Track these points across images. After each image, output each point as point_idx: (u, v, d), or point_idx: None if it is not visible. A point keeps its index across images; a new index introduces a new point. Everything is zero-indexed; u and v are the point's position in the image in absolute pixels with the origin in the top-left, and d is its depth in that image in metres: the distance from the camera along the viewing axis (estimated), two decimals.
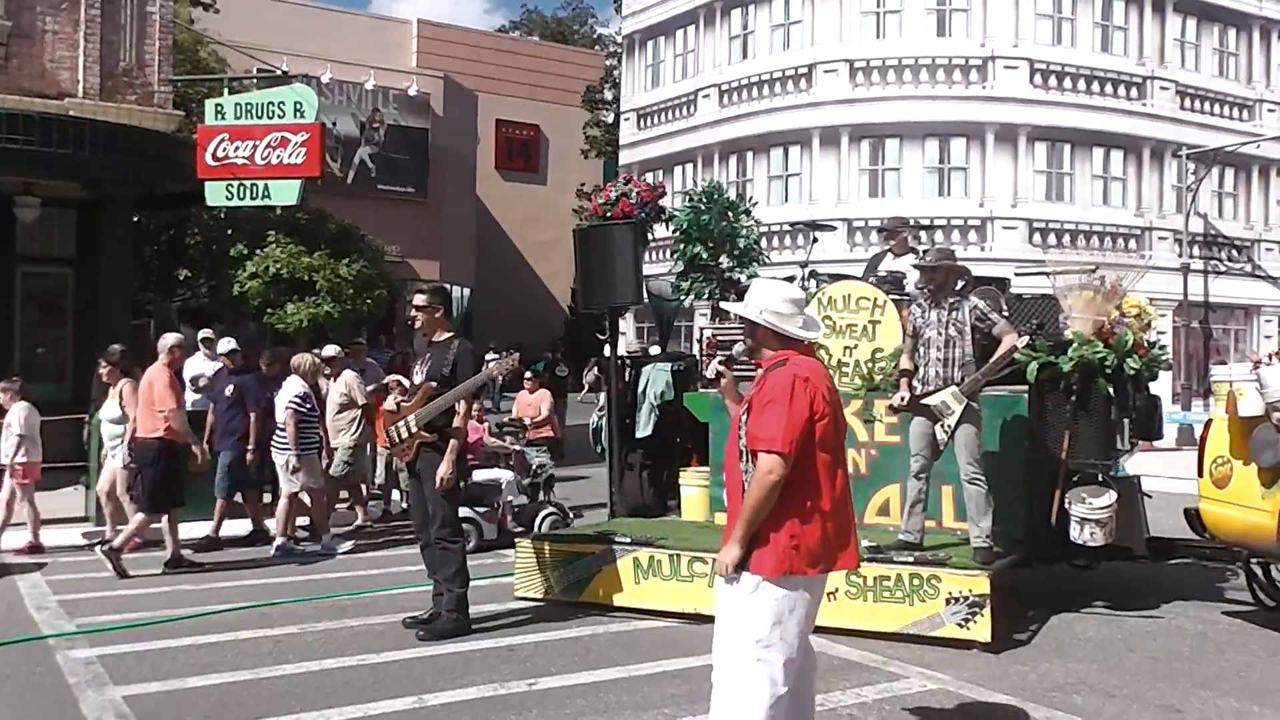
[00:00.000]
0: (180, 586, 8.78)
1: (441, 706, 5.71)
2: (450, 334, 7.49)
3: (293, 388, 10.43)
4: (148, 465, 9.31)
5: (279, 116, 15.47)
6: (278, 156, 15.36)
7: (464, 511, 9.11)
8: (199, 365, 12.63)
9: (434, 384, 7.26)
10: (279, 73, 20.85)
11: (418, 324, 7.59)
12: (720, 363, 4.79)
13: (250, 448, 10.51)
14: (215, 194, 15.71)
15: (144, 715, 5.56)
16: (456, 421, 7.22)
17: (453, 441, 7.18)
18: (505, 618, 7.66)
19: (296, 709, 5.65)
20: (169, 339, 10.05)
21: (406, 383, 8.36)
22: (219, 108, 15.63)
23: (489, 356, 8.83)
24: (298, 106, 15.49)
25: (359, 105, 34.46)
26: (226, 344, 11.63)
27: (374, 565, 9.85)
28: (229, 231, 20.57)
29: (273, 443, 10.51)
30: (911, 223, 11.88)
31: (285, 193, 15.69)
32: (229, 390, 10.79)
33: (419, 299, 7.55)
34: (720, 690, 4.23)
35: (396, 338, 28.39)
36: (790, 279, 10.17)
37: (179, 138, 16.38)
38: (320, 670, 6.41)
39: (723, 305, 5.33)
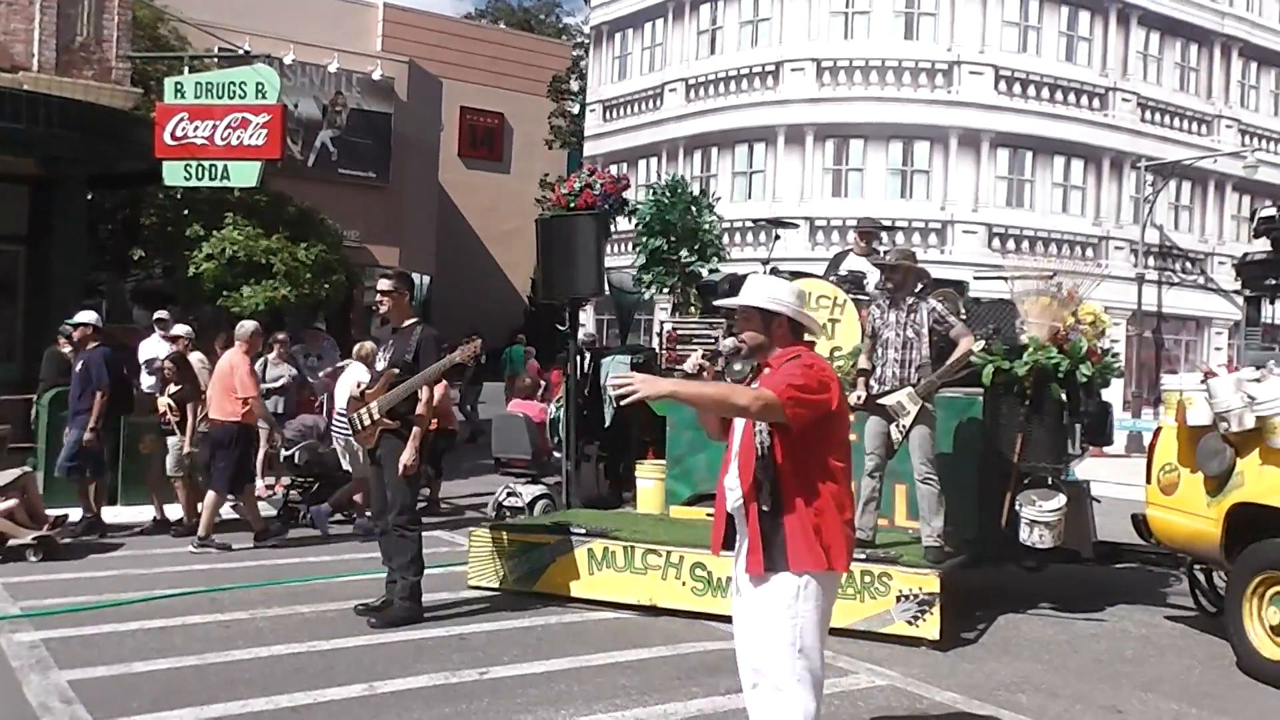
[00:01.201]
0: (128, 570, 8.69)
1: (392, 694, 5.70)
2: (414, 320, 7.44)
3: (356, 373, 10.24)
4: (224, 448, 9.64)
5: (240, 97, 15.30)
6: (238, 137, 15.19)
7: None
8: (154, 347, 12.48)
9: (396, 370, 7.21)
10: (241, 52, 20.58)
11: (383, 309, 7.49)
12: (703, 356, 4.62)
13: (90, 426, 9.88)
14: (173, 174, 15.53)
15: (89, 700, 5.49)
16: (420, 409, 7.17)
17: (416, 429, 7.12)
18: (458, 606, 7.65)
19: (245, 695, 5.61)
20: (248, 326, 10.33)
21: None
22: (179, 86, 15.43)
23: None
24: (259, 87, 15.33)
25: (321, 88, 34.13)
26: (181, 328, 11.52)
27: (327, 551, 9.80)
28: (185, 212, 20.28)
29: (332, 427, 10.70)
30: (885, 223, 11.96)
31: (245, 174, 15.53)
32: (79, 367, 10.28)
33: (384, 284, 7.48)
34: (765, 711, 4.10)
35: (354, 324, 28.19)
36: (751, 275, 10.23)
37: (137, 115, 16.16)
38: (270, 656, 6.36)
39: (716, 303, 5.09)
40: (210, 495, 9.71)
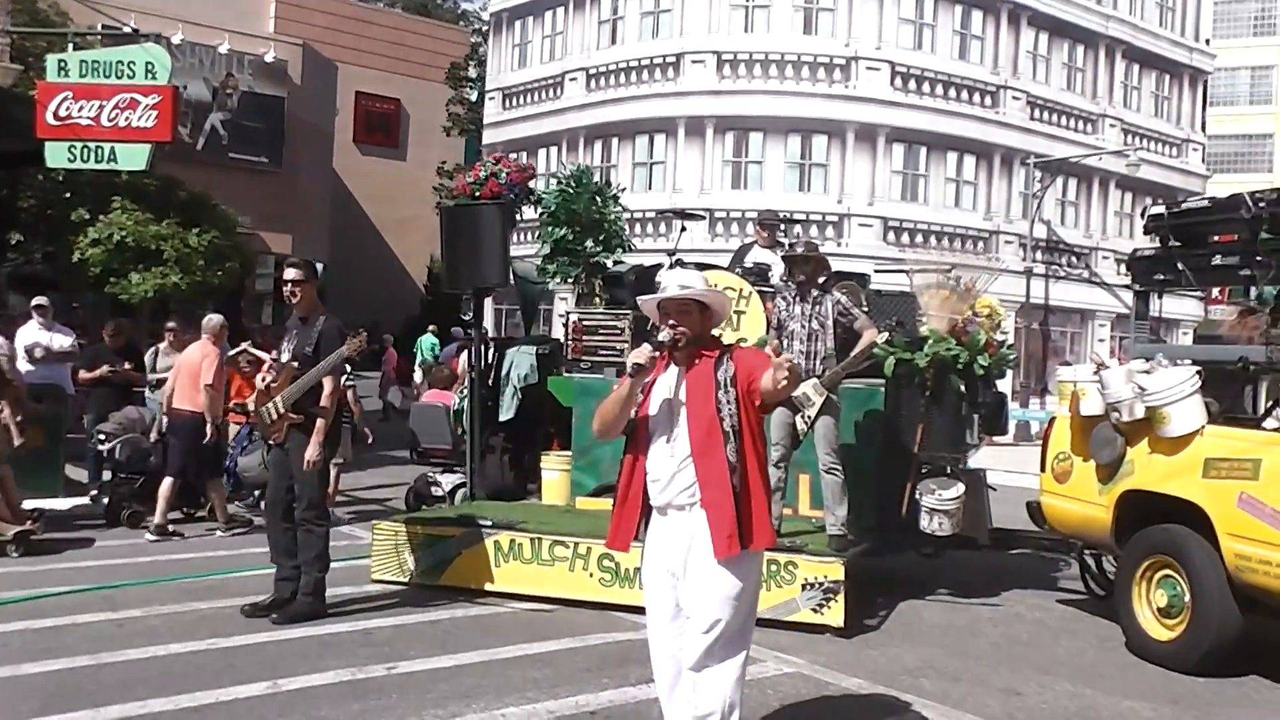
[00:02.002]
0: (12, 569, 8.36)
1: (297, 691, 5.58)
2: (318, 310, 7.25)
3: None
4: (187, 437, 9.82)
5: (128, 77, 14.81)
6: (126, 119, 14.70)
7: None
8: (33, 334, 12.03)
9: (296, 364, 7.04)
10: (128, 30, 19.94)
11: (296, 298, 7.23)
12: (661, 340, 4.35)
13: None
14: (56, 155, 14.96)
15: None
16: (324, 400, 7.00)
17: (319, 421, 6.96)
18: (362, 601, 7.52)
19: (144, 695, 5.43)
20: (215, 319, 10.39)
21: (265, 356, 8.11)
22: (62, 64, 14.87)
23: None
24: (149, 67, 14.86)
25: (211, 69, 33.19)
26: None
27: (221, 546, 9.57)
28: (68, 195, 19.56)
29: None
30: (783, 217, 12.05)
31: (134, 157, 15.03)
32: None
33: (293, 273, 7.25)
34: (713, 680, 4.23)
35: (245, 312, 27.56)
36: (657, 267, 10.25)
37: (15, 93, 15.50)
38: (168, 655, 6.18)
39: (641, 300, 5.00)
40: (166, 482, 9.76)
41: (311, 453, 6.92)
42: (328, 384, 7.02)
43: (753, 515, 4.22)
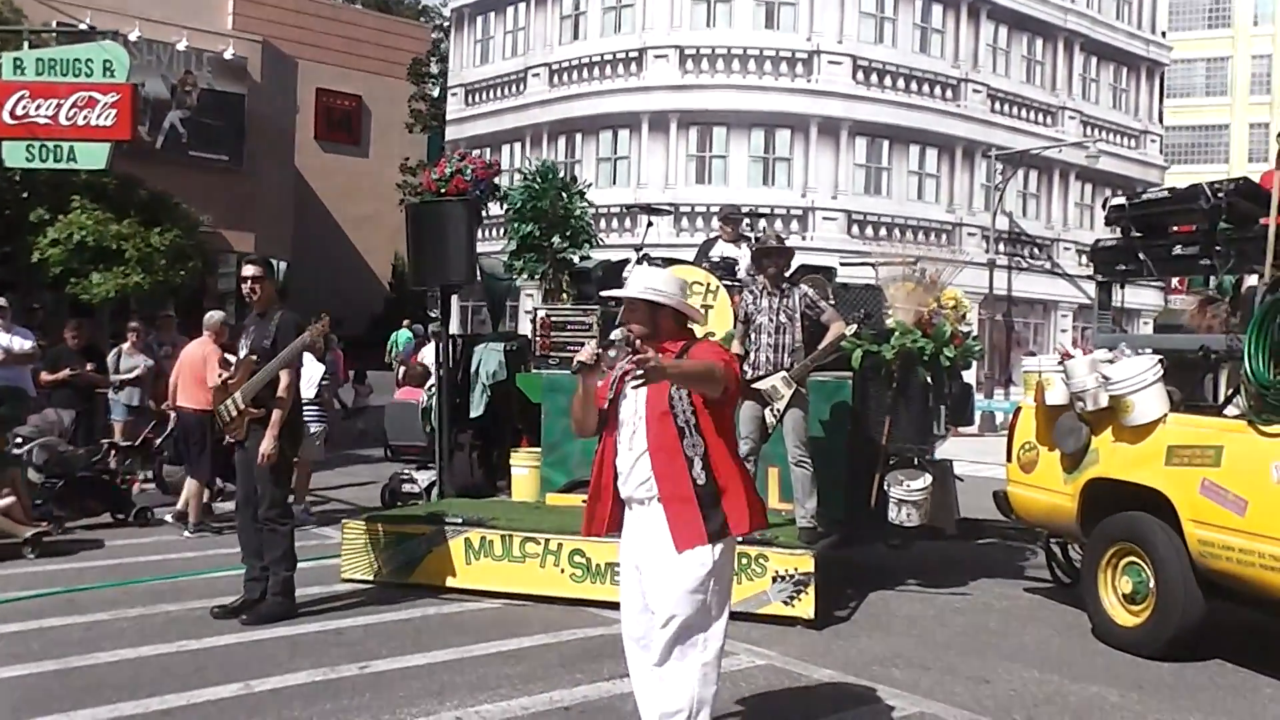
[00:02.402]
0: None
1: (270, 692, 5.55)
2: (276, 306, 7.21)
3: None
4: (197, 435, 9.99)
5: (86, 75, 14.71)
6: (85, 117, 14.61)
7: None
8: None
9: (254, 358, 6.97)
10: (84, 27, 19.71)
11: (257, 295, 7.16)
12: (599, 345, 4.41)
13: None
14: (14, 155, 14.83)
15: None
16: (280, 393, 6.93)
17: (275, 413, 6.89)
18: (332, 601, 7.48)
19: (113, 699, 5.39)
20: (217, 316, 10.38)
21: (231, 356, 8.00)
22: (18, 62, 14.73)
23: None
24: (107, 65, 14.75)
25: (170, 67, 32.85)
26: None
27: (189, 548, 9.49)
28: (25, 195, 19.29)
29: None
30: (745, 210, 12.09)
31: (93, 156, 14.92)
32: None
33: (252, 270, 7.18)
34: (677, 676, 4.21)
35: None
36: (625, 262, 10.26)
37: None
38: (137, 658, 6.13)
39: (604, 294, 5.08)
40: (191, 483, 10.06)
41: (266, 446, 6.83)
42: (284, 376, 6.95)
43: (723, 507, 4.21)
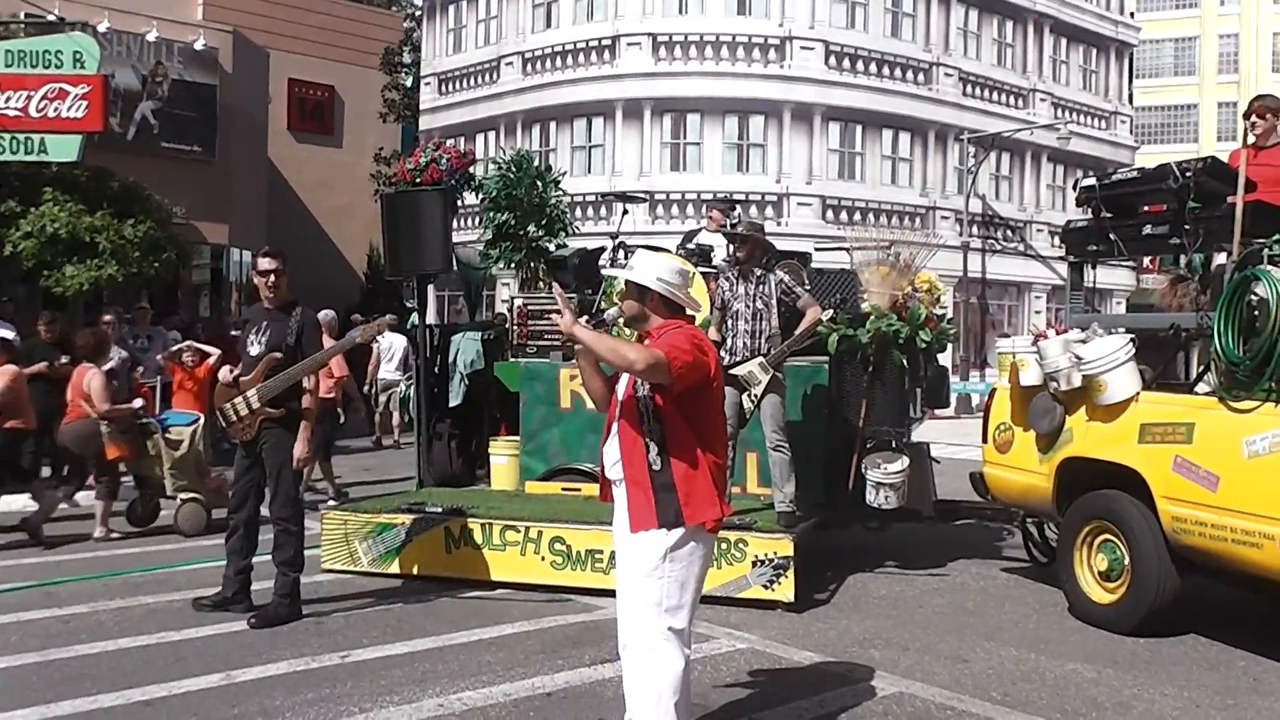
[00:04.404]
0: None
1: (251, 682, 5.55)
2: (291, 301, 6.98)
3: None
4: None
5: (56, 66, 14.59)
6: (55, 109, 14.50)
7: None
8: None
9: (279, 355, 6.74)
10: (51, 18, 19.49)
11: (276, 289, 6.89)
12: (594, 324, 4.40)
13: None
14: None
15: None
16: (307, 399, 6.80)
17: (305, 414, 6.76)
18: (313, 590, 7.44)
19: (93, 691, 5.38)
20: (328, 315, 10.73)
21: (212, 350, 7.97)
22: None
23: None
24: (77, 56, 14.64)
25: (140, 58, 32.51)
26: None
27: (168, 540, 9.46)
28: None
29: None
30: (732, 200, 12.11)
31: (64, 148, 14.81)
32: None
33: (271, 263, 6.91)
34: (635, 686, 4.22)
35: (182, 304, 27.13)
36: (601, 250, 10.27)
37: None
38: (117, 650, 6.12)
39: (604, 271, 5.17)
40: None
41: (300, 450, 6.75)
42: (311, 380, 6.80)
43: (678, 495, 4.16)
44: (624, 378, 4.32)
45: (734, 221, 9.65)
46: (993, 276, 32.77)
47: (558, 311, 4.26)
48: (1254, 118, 7.36)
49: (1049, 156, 34.98)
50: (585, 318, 4.39)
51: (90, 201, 17.93)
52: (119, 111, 29.78)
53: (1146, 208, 7.42)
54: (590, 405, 5.68)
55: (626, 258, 9.82)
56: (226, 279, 29.53)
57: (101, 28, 24.90)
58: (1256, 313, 6.00)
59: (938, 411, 12.30)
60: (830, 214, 29.49)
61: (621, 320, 4.43)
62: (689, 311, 4.43)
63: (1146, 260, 28.03)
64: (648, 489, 4.18)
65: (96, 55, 14.90)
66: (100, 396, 9.29)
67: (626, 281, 4.41)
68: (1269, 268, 6.08)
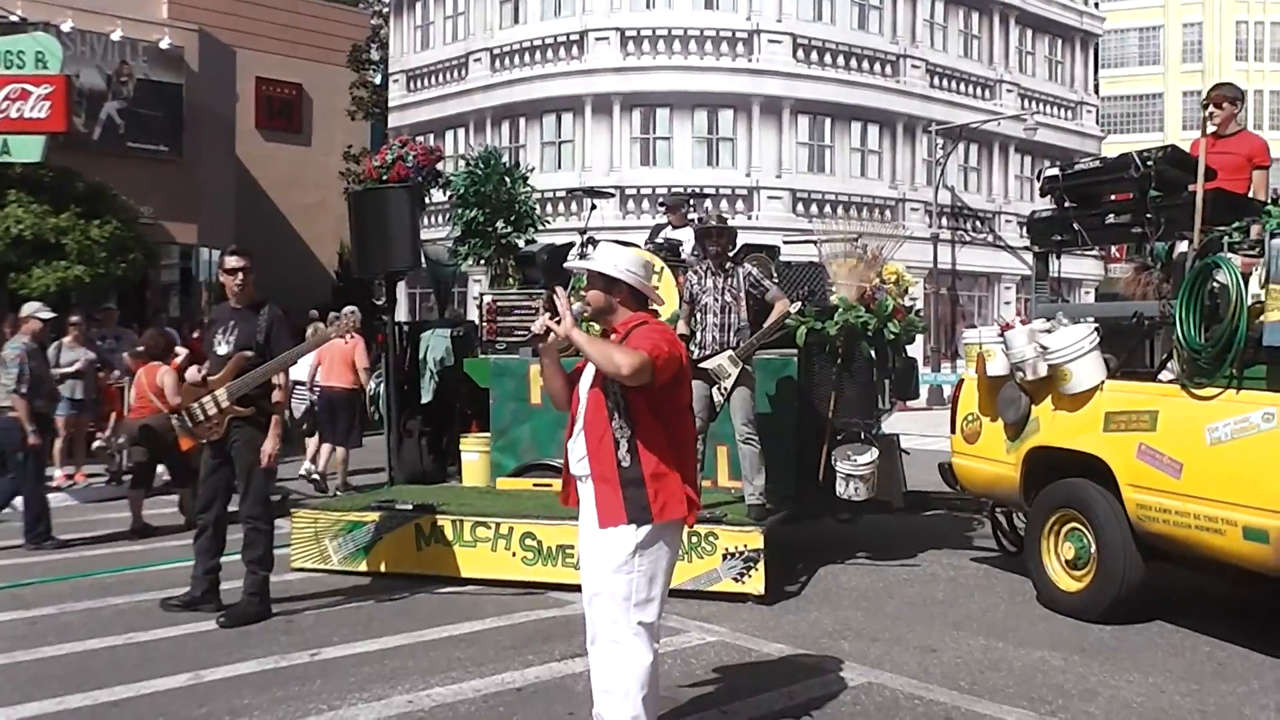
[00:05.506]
0: None
1: (220, 681, 5.53)
2: (259, 300, 6.95)
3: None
4: (343, 409, 11.66)
5: (18, 67, 14.45)
6: (18, 110, 14.37)
7: None
8: None
9: (250, 354, 6.71)
10: (14, 18, 19.31)
11: (243, 287, 6.87)
12: (552, 319, 4.36)
13: None
14: None
15: None
16: (278, 395, 6.78)
17: (276, 416, 6.76)
18: (282, 589, 7.41)
19: (59, 692, 5.34)
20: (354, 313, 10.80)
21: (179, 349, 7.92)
22: None
23: None
24: (39, 57, 14.51)
25: (104, 57, 32.23)
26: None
27: (135, 540, 9.40)
28: None
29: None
30: (688, 192, 12.12)
31: (28, 149, 14.68)
32: None
33: (238, 261, 6.88)
34: (600, 661, 4.25)
35: (152, 304, 26.93)
36: (569, 246, 10.27)
37: None
38: (84, 651, 6.08)
39: (570, 264, 5.18)
40: (340, 450, 11.62)
41: (270, 445, 6.71)
42: (281, 377, 6.79)
43: (647, 492, 4.16)
44: (589, 373, 4.31)
45: (701, 215, 9.67)
46: (962, 268, 32.94)
47: (533, 309, 4.27)
48: (1212, 107, 7.44)
49: (1016, 147, 35.19)
50: (550, 314, 4.38)
51: (56, 203, 17.79)
52: (84, 112, 29.56)
53: (1114, 196, 7.49)
54: None
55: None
56: (196, 279, 29.31)
57: (65, 27, 24.70)
58: (1218, 300, 6.05)
59: (909, 403, 12.39)
60: (800, 207, 29.56)
61: (586, 314, 4.42)
62: (653, 305, 4.42)
63: (1115, 250, 28.29)
64: (615, 485, 4.17)
65: (59, 55, 14.77)
66: (173, 392, 9.34)
67: (592, 273, 4.38)
68: (1229, 255, 6.14)
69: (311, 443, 12.12)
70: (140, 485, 9.96)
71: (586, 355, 4.18)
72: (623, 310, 4.33)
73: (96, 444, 12.97)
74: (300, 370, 12.16)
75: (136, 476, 10.04)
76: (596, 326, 4.51)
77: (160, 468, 10.19)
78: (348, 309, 10.29)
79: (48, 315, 9.98)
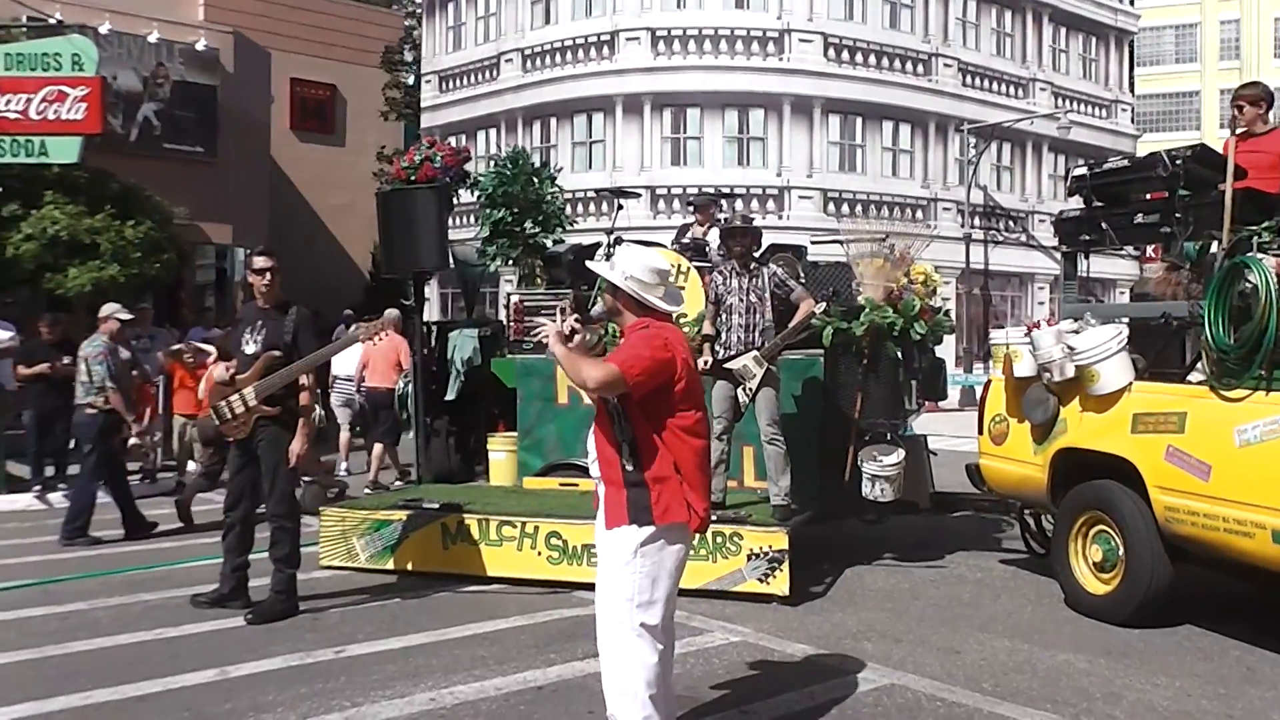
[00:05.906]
0: None
1: (245, 678, 5.59)
2: (286, 300, 7.01)
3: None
4: (386, 408, 11.92)
5: (55, 69, 14.57)
6: (55, 111, 14.48)
7: None
8: None
9: (277, 353, 6.77)
10: (52, 21, 19.52)
11: (270, 288, 6.93)
12: (577, 320, 4.49)
13: None
14: None
15: None
16: (304, 396, 6.84)
17: (303, 413, 6.82)
18: (309, 587, 7.48)
19: (88, 687, 5.42)
20: (393, 314, 11.61)
21: (210, 349, 8.00)
22: None
23: None
24: (75, 59, 14.63)
25: (141, 59, 32.57)
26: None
27: (169, 538, 9.51)
28: None
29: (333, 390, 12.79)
30: (718, 192, 12.10)
31: (64, 150, 14.80)
32: None
33: (266, 261, 6.97)
34: (607, 662, 4.29)
35: (186, 304, 27.19)
36: (596, 246, 10.28)
37: None
38: (113, 646, 6.16)
39: (588, 265, 5.22)
40: (378, 447, 11.94)
41: (297, 447, 6.77)
42: (308, 378, 6.84)
43: (650, 495, 4.19)
44: None
45: (726, 216, 9.66)
46: (995, 268, 32.71)
47: (554, 309, 4.34)
48: (1241, 107, 7.36)
49: (1050, 146, 34.90)
50: (575, 316, 4.44)
51: (91, 203, 18.00)
52: (121, 113, 29.91)
53: (1148, 195, 7.42)
54: (587, 401, 5.72)
55: None
56: (231, 279, 29.58)
57: (102, 30, 25.00)
58: (1247, 300, 5.99)
59: (940, 404, 12.31)
60: (831, 207, 29.45)
61: (604, 316, 4.51)
62: (666, 308, 4.40)
63: (1150, 249, 28.02)
64: (620, 487, 4.24)
65: (95, 57, 14.89)
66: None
67: (603, 279, 4.49)
68: (1259, 255, 6.08)
69: (344, 442, 12.23)
70: (209, 480, 10.00)
71: (564, 370, 4.28)
72: (627, 314, 4.39)
73: (132, 442, 13.10)
74: (349, 370, 12.34)
75: (208, 474, 10.10)
76: (615, 326, 4.57)
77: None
78: (390, 312, 10.43)
79: (126, 316, 10.18)
